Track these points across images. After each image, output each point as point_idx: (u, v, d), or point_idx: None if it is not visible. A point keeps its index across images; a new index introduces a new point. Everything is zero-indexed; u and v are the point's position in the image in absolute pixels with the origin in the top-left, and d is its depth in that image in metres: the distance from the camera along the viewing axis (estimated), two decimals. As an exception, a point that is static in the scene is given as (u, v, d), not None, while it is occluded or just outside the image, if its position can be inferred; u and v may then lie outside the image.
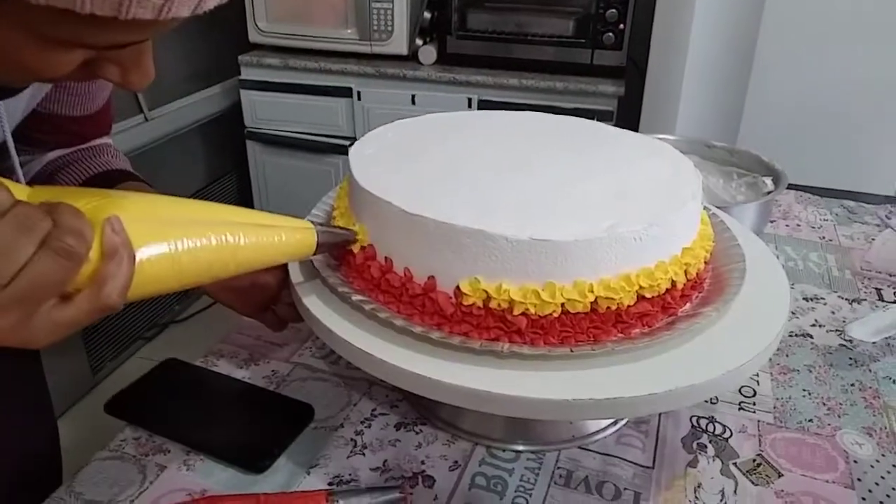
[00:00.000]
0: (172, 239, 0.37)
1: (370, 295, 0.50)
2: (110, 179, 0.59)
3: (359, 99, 1.94)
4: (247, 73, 2.01)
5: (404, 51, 1.89)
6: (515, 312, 0.45)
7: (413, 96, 1.88)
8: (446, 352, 0.46)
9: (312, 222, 0.48)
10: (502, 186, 0.51)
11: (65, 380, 1.64)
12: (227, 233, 0.40)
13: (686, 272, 0.49)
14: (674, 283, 0.48)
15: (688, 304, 0.50)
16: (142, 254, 0.35)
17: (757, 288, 0.52)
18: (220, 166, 2.22)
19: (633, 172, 0.55)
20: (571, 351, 0.45)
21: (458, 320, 0.46)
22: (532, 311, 0.44)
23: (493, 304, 0.45)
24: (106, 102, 0.61)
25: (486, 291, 0.44)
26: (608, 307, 0.45)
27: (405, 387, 0.46)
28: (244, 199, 2.25)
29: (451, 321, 0.46)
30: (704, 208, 0.56)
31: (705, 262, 0.53)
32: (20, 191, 0.32)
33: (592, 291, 0.44)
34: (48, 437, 0.70)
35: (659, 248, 0.47)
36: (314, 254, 0.47)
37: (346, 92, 1.94)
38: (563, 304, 0.45)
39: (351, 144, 2.00)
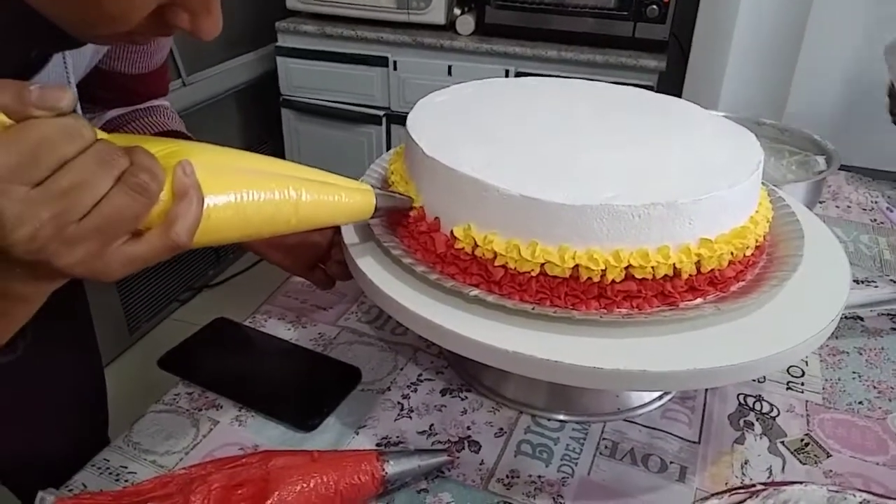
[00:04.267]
0: (239, 189, 0.37)
1: (421, 256, 0.50)
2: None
3: (395, 69, 1.92)
4: (283, 40, 2.00)
5: (442, 20, 1.87)
6: (497, 264, 0.45)
7: (450, 67, 1.86)
8: (498, 314, 0.46)
9: (371, 185, 0.48)
10: (549, 151, 0.51)
11: (103, 338, 1.69)
12: (290, 187, 0.40)
13: (699, 264, 0.46)
14: (677, 272, 0.45)
15: (699, 299, 0.47)
16: (209, 200, 0.35)
17: (815, 269, 0.51)
18: (255, 133, 2.23)
19: (687, 145, 0.54)
20: (623, 318, 0.44)
21: (449, 262, 0.48)
22: (511, 265, 0.45)
23: (478, 252, 0.46)
24: (163, 64, 0.61)
25: (475, 239, 0.46)
26: (589, 278, 0.44)
27: (458, 350, 0.46)
28: (277, 166, 2.26)
29: (444, 262, 0.48)
30: (764, 185, 0.55)
31: (748, 253, 0.49)
32: (99, 134, 0.32)
33: (574, 258, 0.44)
34: (96, 384, 0.73)
35: (665, 231, 0.45)
36: (371, 217, 0.47)
37: (382, 61, 1.92)
38: (542, 265, 0.45)
39: (386, 114, 1.99)
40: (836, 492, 0.31)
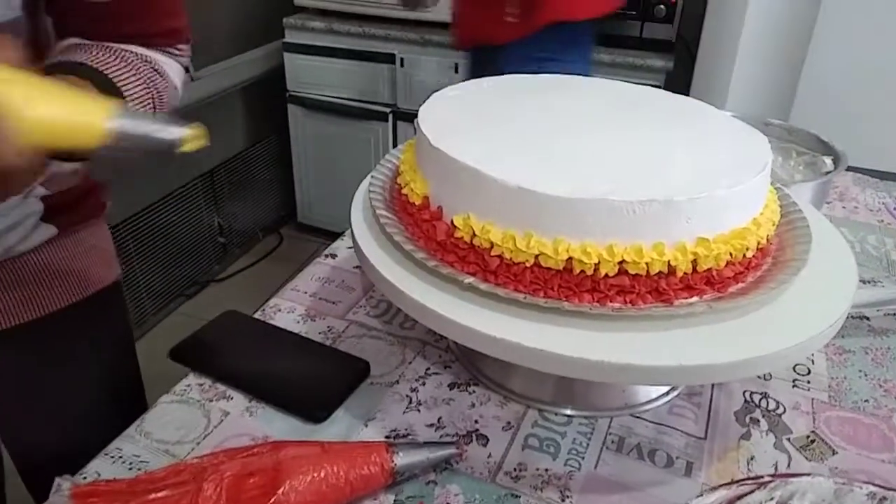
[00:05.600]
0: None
1: (423, 244, 0.51)
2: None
3: (401, 66, 1.93)
4: (290, 36, 2.01)
5: (449, 18, 1.87)
6: (493, 253, 0.46)
7: (456, 64, 1.87)
8: (491, 302, 0.47)
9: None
10: (553, 144, 0.52)
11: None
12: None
13: (695, 262, 0.46)
14: (672, 269, 0.45)
15: (696, 297, 0.47)
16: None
17: (822, 270, 0.51)
18: (262, 129, 2.24)
19: (695, 144, 0.54)
20: (624, 310, 0.45)
21: (448, 250, 0.49)
22: (507, 255, 0.46)
23: (476, 242, 0.47)
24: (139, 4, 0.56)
25: (473, 228, 0.47)
26: (582, 271, 0.45)
27: (448, 334, 0.48)
28: (284, 162, 2.27)
29: (445, 250, 0.49)
30: (772, 185, 0.55)
31: (747, 254, 0.49)
32: None
33: (568, 251, 0.44)
34: (133, 381, 0.76)
35: (661, 228, 0.45)
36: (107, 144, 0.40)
37: (388, 58, 1.93)
38: (536, 257, 0.45)
39: (392, 112, 1.98)
40: (844, 484, 0.32)
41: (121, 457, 0.50)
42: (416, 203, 0.52)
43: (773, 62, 1.53)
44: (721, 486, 0.32)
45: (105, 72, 0.52)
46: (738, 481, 0.32)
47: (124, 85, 0.53)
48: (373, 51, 1.94)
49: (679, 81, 1.73)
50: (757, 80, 1.55)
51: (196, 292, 2.07)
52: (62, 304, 0.66)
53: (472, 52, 1.34)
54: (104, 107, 0.40)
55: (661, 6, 1.72)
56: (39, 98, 0.39)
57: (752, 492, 0.32)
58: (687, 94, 1.69)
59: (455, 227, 0.48)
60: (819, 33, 1.48)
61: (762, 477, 0.32)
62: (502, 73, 0.66)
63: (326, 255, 0.76)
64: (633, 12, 1.75)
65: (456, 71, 1.87)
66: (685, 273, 0.46)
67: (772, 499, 0.32)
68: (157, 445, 0.51)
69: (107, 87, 0.51)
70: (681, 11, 1.73)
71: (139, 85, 0.55)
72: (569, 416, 0.55)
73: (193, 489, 0.42)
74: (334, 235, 0.82)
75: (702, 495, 0.31)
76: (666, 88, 1.76)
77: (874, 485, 0.32)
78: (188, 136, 0.42)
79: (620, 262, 0.45)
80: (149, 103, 0.56)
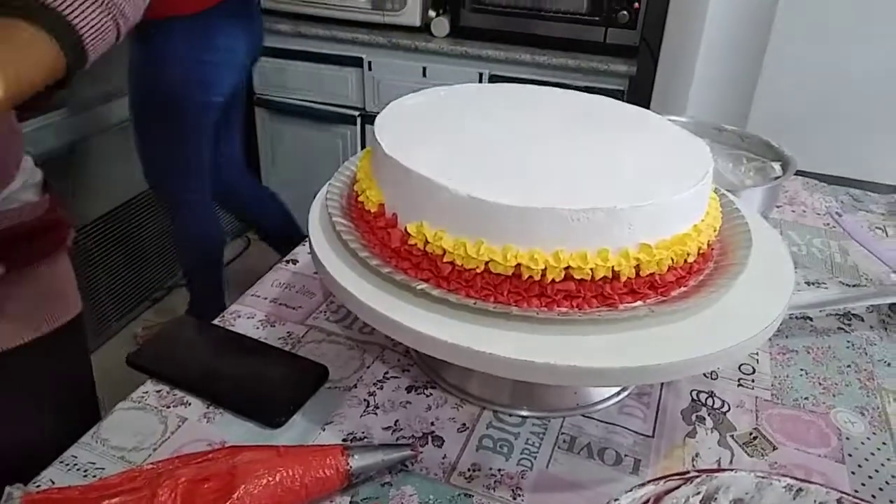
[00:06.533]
0: None
1: (379, 251, 0.52)
2: None
3: (369, 69, 1.94)
4: (258, 39, 2.00)
5: (417, 22, 1.88)
6: (445, 260, 0.48)
7: (424, 68, 1.88)
8: (443, 308, 0.48)
9: None
10: (504, 154, 0.53)
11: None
12: None
13: (638, 268, 0.48)
14: (616, 274, 0.47)
15: (639, 302, 0.49)
16: None
17: (762, 275, 0.54)
18: (229, 132, 2.21)
19: (641, 153, 0.56)
20: (577, 315, 0.47)
21: (403, 257, 0.50)
22: (459, 262, 0.48)
23: (429, 249, 0.48)
24: None
25: (426, 235, 0.48)
26: (530, 276, 0.47)
27: (403, 339, 0.49)
28: (252, 165, 2.26)
29: (399, 257, 0.51)
30: (716, 191, 0.58)
31: (689, 259, 0.51)
32: None
33: (516, 257, 0.46)
34: (86, 382, 0.73)
35: (605, 235, 0.47)
36: None
37: (356, 62, 1.94)
38: (486, 263, 0.47)
39: (360, 115, 2.01)
40: (763, 478, 0.34)
41: (76, 465, 0.50)
42: (372, 210, 0.53)
43: (732, 67, 1.57)
44: (649, 481, 0.33)
45: (56, 7, 0.48)
46: (665, 477, 0.34)
47: (80, 17, 0.49)
48: (341, 54, 1.94)
49: (643, 86, 1.76)
50: (717, 85, 1.59)
51: (162, 297, 2.05)
52: (10, 344, 0.62)
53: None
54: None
55: (625, 12, 1.75)
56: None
57: (678, 487, 0.34)
58: (650, 98, 1.72)
59: (409, 234, 0.50)
60: (775, 38, 1.53)
61: (688, 472, 0.34)
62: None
63: (287, 261, 0.77)
64: (597, 18, 1.78)
65: (424, 74, 1.88)
66: (629, 278, 0.48)
67: (698, 493, 0.34)
68: (113, 452, 0.51)
69: (62, 29, 0.48)
70: (643, 17, 1.77)
71: (97, 10, 0.51)
72: (523, 416, 0.57)
73: (148, 495, 0.43)
74: (303, 240, 0.82)
75: (631, 490, 0.33)
76: (630, 93, 1.80)
77: (791, 477, 0.34)
78: None
79: (566, 268, 0.47)
80: (111, 30, 0.53)
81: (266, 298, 0.70)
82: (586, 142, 0.57)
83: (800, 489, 0.34)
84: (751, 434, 0.56)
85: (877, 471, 0.53)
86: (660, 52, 1.66)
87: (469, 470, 0.51)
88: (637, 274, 0.48)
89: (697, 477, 0.33)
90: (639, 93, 1.76)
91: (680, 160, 0.55)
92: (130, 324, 1.92)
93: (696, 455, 0.54)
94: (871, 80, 1.44)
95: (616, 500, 0.34)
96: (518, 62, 1.81)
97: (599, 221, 0.46)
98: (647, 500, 0.34)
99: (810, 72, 1.49)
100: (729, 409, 0.59)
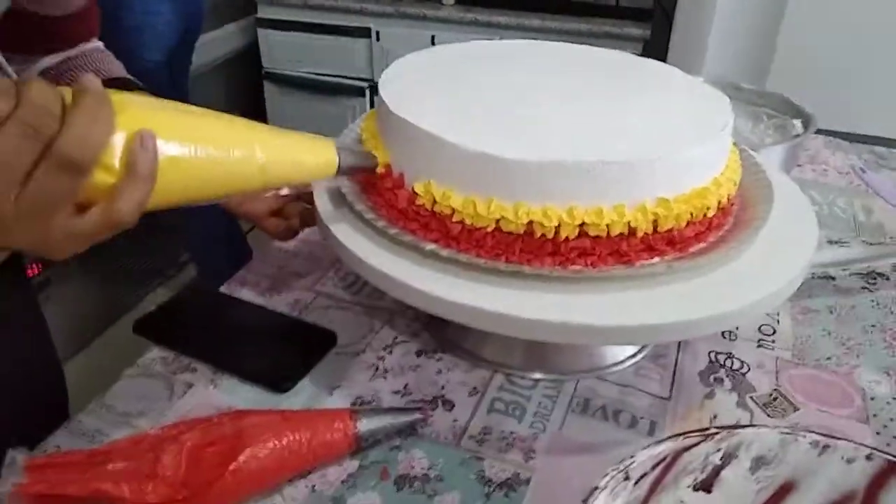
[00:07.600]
0: (197, 147, 0.37)
1: (385, 213, 0.51)
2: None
3: (377, 39, 1.90)
4: (264, 12, 1.97)
5: (425, -10, 1.84)
6: (454, 220, 0.46)
7: (433, 37, 1.84)
8: (454, 268, 0.47)
9: (340, 143, 0.47)
10: (514, 109, 0.51)
11: (89, 311, 1.68)
12: (254, 145, 0.40)
13: (656, 223, 0.46)
14: (632, 230, 0.45)
15: (657, 258, 0.47)
16: (167, 158, 0.35)
17: (784, 231, 0.51)
18: (237, 107, 2.20)
19: (658, 106, 0.54)
20: (587, 272, 0.45)
21: (411, 218, 0.48)
22: (469, 221, 0.46)
23: (437, 209, 0.47)
24: (88, 4, 0.56)
25: (434, 195, 0.46)
26: (543, 234, 0.45)
27: (427, 309, 0.47)
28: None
29: (407, 218, 0.49)
30: (735, 145, 0.55)
31: (708, 214, 0.49)
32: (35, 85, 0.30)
33: (528, 214, 0.44)
34: (52, 371, 0.67)
35: (622, 189, 0.44)
36: (336, 175, 0.47)
37: (364, 32, 1.90)
38: (497, 221, 0.45)
39: (369, 86, 1.98)
40: (788, 433, 0.32)
41: (81, 430, 0.49)
42: (378, 171, 0.51)
43: (749, 27, 1.53)
44: (668, 437, 0.32)
45: (125, 77, 0.54)
46: (683, 433, 0.32)
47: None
48: (348, 25, 1.91)
49: (657, 50, 1.72)
50: (734, 46, 1.54)
51: (176, 273, 2.05)
52: None
53: None
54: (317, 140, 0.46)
55: (638, -26, 1.70)
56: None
57: (698, 443, 0.32)
58: (664, 62, 1.68)
59: (416, 194, 0.48)
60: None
61: (708, 429, 0.32)
62: None
63: (295, 228, 0.75)
64: (610, -20, 1.74)
65: (433, 43, 1.85)
66: (646, 234, 0.46)
67: (718, 450, 0.32)
68: (120, 419, 0.50)
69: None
70: (658, -21, 1.72)
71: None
72: (536, 379, 0.56)
73: (152, 458, 0.42)
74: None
75: (648, 447, 0.32)
76: (644, 56, 1.75)
77: (817, 433, 0.33)
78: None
79: (581, 225, 0.45)
80: None
81: (272, 265, 0.69)
82: (599, 95, 0.55)
83: (826, 445, 0.32)
84: (771, 395, 0.55)
85: (903, 431, 0.51)
86: (675, 15, 1.62)
87: (480, 433, 0.50)
88: (654, 230, 0.46)
89: (717, 433, 0.32)
90: (653, 56, 1.71)
91: (699, 112, 0.53)
92: (146, 298, 1.93)
93: (714, 416, 0.52)
94: (894, 35, 1.39)
95: (632, 457, 0.32)
96: (528, 28, 1.77)
97: (614, 175, 0.44)
98: (665, 458, 0.33)
99: (832, 28, 1.44)
100: (749, 369, 0.57)
